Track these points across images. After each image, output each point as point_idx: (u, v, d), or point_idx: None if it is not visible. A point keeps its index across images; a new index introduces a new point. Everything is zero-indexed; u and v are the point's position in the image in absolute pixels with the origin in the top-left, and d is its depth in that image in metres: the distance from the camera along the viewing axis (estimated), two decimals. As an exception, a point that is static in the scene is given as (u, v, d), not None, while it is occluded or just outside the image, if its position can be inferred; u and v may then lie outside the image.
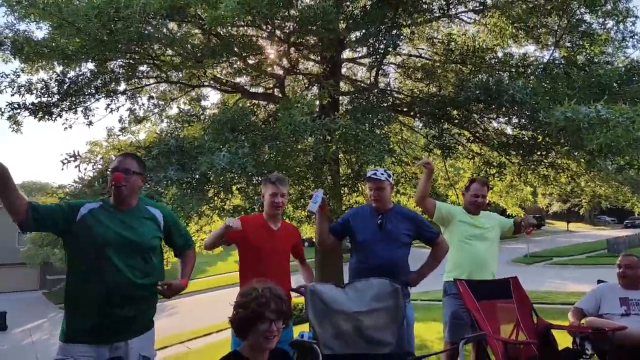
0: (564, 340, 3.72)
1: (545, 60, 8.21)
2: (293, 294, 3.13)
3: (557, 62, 8.03)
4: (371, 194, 3.56)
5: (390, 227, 3.48)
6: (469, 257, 3.95)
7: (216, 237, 3.28)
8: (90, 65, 7.91)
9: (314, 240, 5.67)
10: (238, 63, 8.67)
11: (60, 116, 8.12)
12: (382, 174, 3.53)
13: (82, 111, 8.44)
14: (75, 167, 5.72)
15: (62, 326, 2.55)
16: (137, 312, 2.62)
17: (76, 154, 5.85)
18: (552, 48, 8.17)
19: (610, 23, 8.04)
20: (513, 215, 11.73)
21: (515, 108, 6.77)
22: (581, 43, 8.00)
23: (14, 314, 24.97)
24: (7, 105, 7.70)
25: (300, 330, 2.68)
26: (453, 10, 8.95)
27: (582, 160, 7.35)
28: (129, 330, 2.59)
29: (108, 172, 2.72)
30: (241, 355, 2.19)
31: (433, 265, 3.61)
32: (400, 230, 3.49)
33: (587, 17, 7.89)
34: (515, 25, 8.39)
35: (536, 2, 7.86)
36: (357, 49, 9.26)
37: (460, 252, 3.97)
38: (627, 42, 8.15)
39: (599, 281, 4.15)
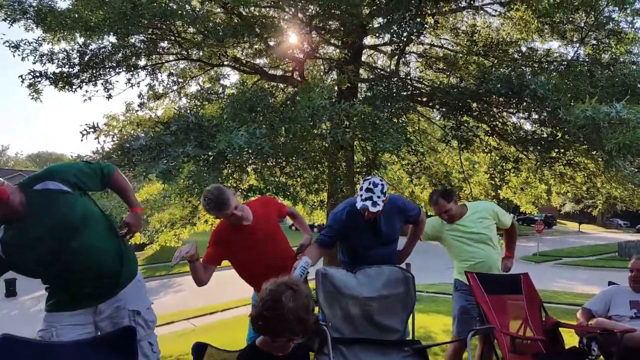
0: (571, 340, 3.72)
1: (569, 57, 8.08)
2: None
3: (581, 59, 7.90)
4: (365, 214, 3.13)
5: (386, 229, 3.34)
6: (472, 256, 3.93)
7: (194, 272, 3.02)
8: (112, 38, 7.89)
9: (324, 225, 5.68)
10: (259, 44, 8.64)
11: (81, 87, 8.12)
12: (376, 205, 3.05)
13: (102, 84, 8.44)
14: (95, 138, 5.81)
15: (47, 297, 2.60)
16: (114, 276, 2.59)
17: (95, 125, 5.92)
18: (577, 45, 8.03)
19: (639, 22, 7.91)
20: (526, 213, 11.64)
21: (536, 103, 6.67)
22: (607, 41, 7.88)
23: (23, 282, 25.43)
24: (29, 73, 7.75)
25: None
26: (480, 1, 8.83)
27: (600, 159, 7.25)
28: (110, 292, 2.59)
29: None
30: (261, 349, 2.16)
31: (415, 242, 3.77)
32: (394, 228, 3.43)
33: (615, 15, 7.74)
34: (541, 19, 8.25)
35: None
36: (380, 36, 9.19)
37: (462, 252, 3.97)
38: (655, 43, 7.99)
39: (610, 283, 4.11)
